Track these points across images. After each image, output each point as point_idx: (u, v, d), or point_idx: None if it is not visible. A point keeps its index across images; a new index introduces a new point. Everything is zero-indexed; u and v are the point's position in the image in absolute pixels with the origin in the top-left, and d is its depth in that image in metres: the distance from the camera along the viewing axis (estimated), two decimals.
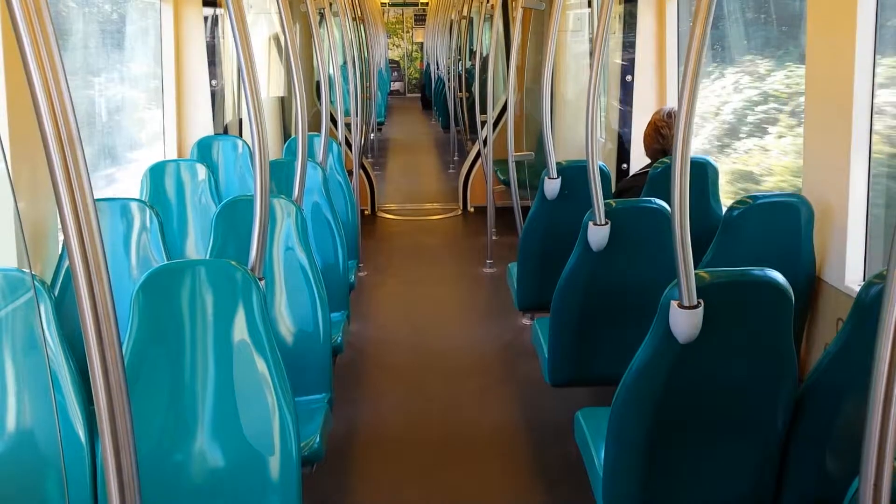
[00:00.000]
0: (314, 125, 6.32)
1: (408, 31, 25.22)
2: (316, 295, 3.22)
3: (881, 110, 3.03)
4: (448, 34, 12.98)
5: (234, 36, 2.41)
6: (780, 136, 4.36)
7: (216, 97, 5.51)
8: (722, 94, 5.04)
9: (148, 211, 3.29)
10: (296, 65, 3.62)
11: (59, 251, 3.20)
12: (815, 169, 3.26)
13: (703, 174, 3.64)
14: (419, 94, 22.45)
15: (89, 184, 1.13)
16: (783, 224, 3.10)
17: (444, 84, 13.93)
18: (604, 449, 2.47)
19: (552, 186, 4.09)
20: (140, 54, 5.21)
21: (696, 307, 2.11)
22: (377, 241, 7.72)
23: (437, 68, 16.53)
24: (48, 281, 2.99)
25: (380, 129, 14.36)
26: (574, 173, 4.02)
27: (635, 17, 5.41)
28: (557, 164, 4.11)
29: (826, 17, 3.12)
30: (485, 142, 7.49)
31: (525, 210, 4.61)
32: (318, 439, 2.80)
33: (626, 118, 5.60)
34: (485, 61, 9.73)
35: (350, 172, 6.11)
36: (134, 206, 3.30)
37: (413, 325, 5.54)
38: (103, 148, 4.79)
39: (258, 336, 2.34)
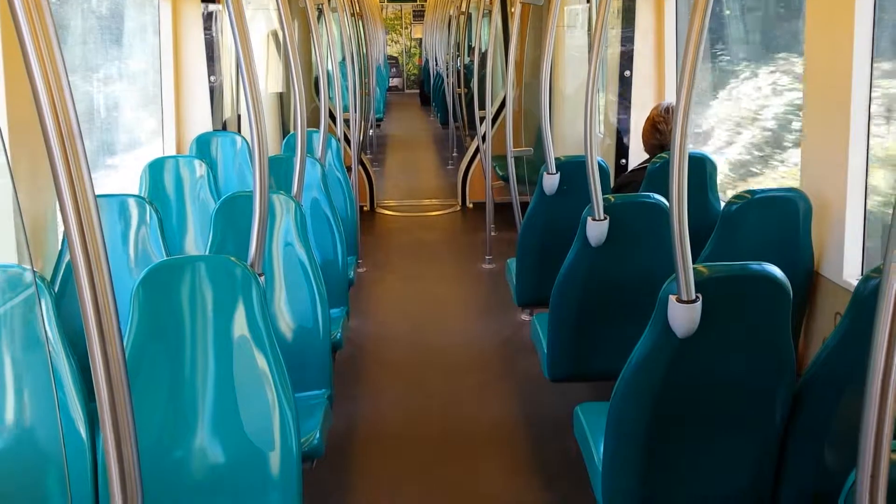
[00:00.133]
0: (313, 121, 6.32)
1: (406, 28, 25.18)
2: (315, 291, 3.23)
3: None
4: (446, 30, 12.98)
5: (233, 32, 2.41)
6: None
7: (215, 93, 5.51)
8: (757, 97, 4.62)
9: (147, 207, 3.29)
10: (294, 61, 3.62)
11: (59, 247, 3.20)
12: (814, 163, 3.27)
13: (701, 169, 3.64)
14: (418, 91, 22.43)
15: (90, 179, 1.13)
16: (781, 219, 3.10)
17: (442, 80, 13.92)
18: (603, 443, 2.47)
19: (551, 182, 4.09)
20: (128, 51, 5.15)
21: (694, 302, 2.11)
22: (376, 238, 7.73)
23: (436, 64, 16.52)
24: (48, 277, 3.00)
25: (378, 126, 14.36)
26: (573, 169, 4.03)
27: (634, 12, 5.41)
28: (556, 159, 4.11)
29: (824, 13, 3.13)
30: (483, 137, 7.48)
31: (524, 206, 4.61)
32: (317, 435, 2.81)
33: (624, 113, 5.60)
34: (483, 57, 9.71)
35: (349, 169, 6.11)
36: (133, 202, 3.30)
37: (412, 321, 5.55)
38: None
39: (258, 332, 2.34)
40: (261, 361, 2.33)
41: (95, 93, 4.81)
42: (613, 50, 5.66)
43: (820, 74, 3.18)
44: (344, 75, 7.44)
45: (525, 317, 5.32)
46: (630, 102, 5.52)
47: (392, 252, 7.31)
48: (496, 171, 7.73)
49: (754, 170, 4.56)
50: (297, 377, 2.68)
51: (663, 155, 3.83)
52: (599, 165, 3.45)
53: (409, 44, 25.12)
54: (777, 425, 2.27)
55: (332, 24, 8.32)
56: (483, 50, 10.32)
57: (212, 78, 5.44)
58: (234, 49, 5.67)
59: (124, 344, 2.18)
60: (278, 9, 3.50)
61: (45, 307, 2.25)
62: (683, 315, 2.12)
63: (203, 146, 5.05)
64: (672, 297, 2.12)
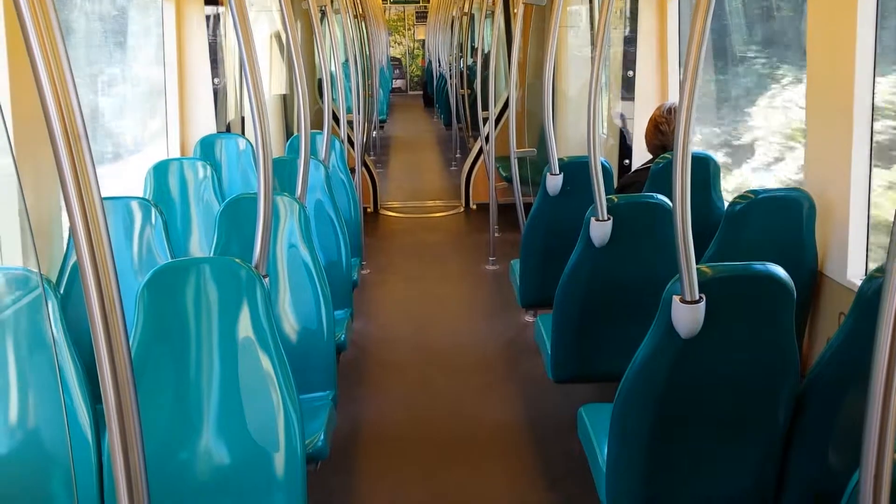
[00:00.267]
0: (316, 123, 6.33)
1: (409, 29, 25.19)
2: (319, 292, 3.23)
3: None
4: (449, 31, 12.98)
5: (237, 34, 2.42)
6: None
7: (218, 95, 5.52)
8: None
9: (152, 209, 3.30)
10: (298, 63, 3.63)
11: (64, 250, 3.21)
12: (817, 163, 3.26)
13: (704, 169, 3.64)
14: (421, 92, 22.44)
15: (96, 182, 1.14)
16: (785, 219, 3.10)
17: (445, 81, 13.92)
18: (607, 444, 2.47)
19: (554, 183, 4.09)
20: (108, 57, 5.06)
21: (697, 302, 2.12)
22: (379, 239, 7.73)
23: (439, 65, 16.52)
24: (53, 279, 3.01)
25: (382, 127, 14.36)
26: (576, 169, 4.03)
27: (636, 12, 5.41)
28: (559, 160, 4.11)
29: (827, 12, 3.13)
30: (487, 139, 7.49)
31: (527, 206, 4.62)
32: (322, 437, 2.81)
33: (627, 114, 5.60)
34: (486, 58, 9.74)
35: (352, 170, 6.12)
36: (138, 204, 3.31)
37: (416, 322, 5.55)
38: None
39: (263, 333, 2.35)
40: (265, 363, 2.34)
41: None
42: (616, 50, 5.67)
43: (822, 74, 3.18)
44: (347, 77, 7.45)
45: (529, 318, 5.33)
46: (633, 103, 5.52)
47: (395, 253, 7.31)
48: (499, 172, 7.73)
49: None
50: (302, 379, 2.69)
51: (666, 155, 3.83)
52: (603, 166, 3.45)
53: (412, 45, 25.13)
54: (781, 425, 2.27)
55: (335, 25, 8.34)
56: (486, 51, 10.34)
57: (215, 80, 5.45)
58: (237, 51, 5.70)
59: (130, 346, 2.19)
60: (281, 10, 3.51)
61: (52, 309, 2.26)
62: (687, 315, 2.12)
63: (207, 148, 5.06)
64: (676, 298, 2.12)
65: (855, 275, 3.03)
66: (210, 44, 5.44)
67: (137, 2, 5.12)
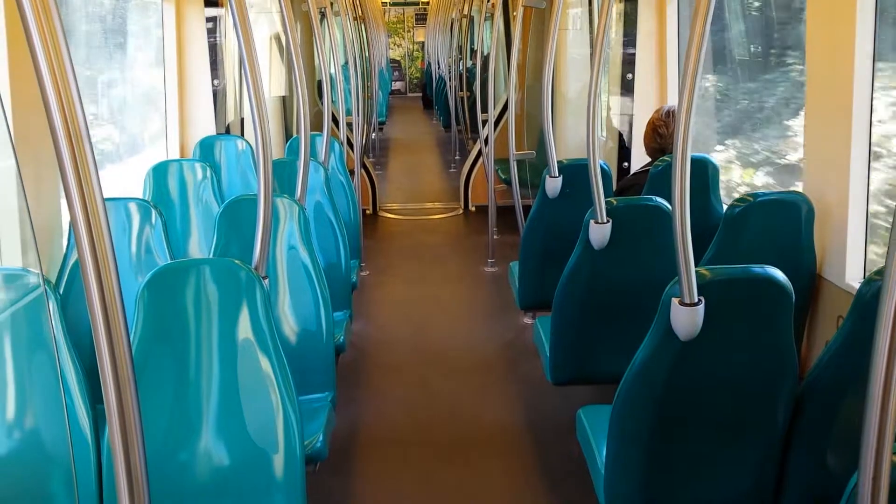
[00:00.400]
0: (315, 125, 6.34)
1: (409, 31, 25.21)
2: (319, 294, 3.24)
3: None
4: (449, 33, 12.99)
5: (237, 35, 2.42)
6: None
7: (218, 97, 5.53)
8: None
9: (152, 210, 3.31)
10: (298, 64, 3.64)
11: (64, 250, 3.22)
12: (816, 166, 3.27)
13: (703, 172, 3.65)
14: (420, 94, 22.44)
15: (98, 183, 1.14)
16: (784, 222, 3.11)
17: (445, 83, 13.93)
18: (606, 446, 2.48)
19: (553, 185, 4.10)
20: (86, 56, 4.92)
21: (696, 304, 2.12)
22: (378, 241, 7.74)
23: (438, 67, 16.53)
24: (52, 280, 3.01)
25: (381, 129, 14.37)
26: (575, 172, 4.04)
27: (635, 15, 5.42)
28: (559, 162, 4.12)
29: (826, 16, 3.13)
30: (486, 141, 7.50)
31: (526, 209, 4.62)
32: (321, 438, 2.82)
33: (626, 116, 5.61)
34: (485, 60, 9.75)
35: (352, 172, 6.12)
36: (138, 205, 3.32)
37: (415, 324, 5.55)
38: None
39: (262, 335, 2.35)
40: (265, 364, 2.34)
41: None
42: (615, 53, 5.67)
43: (821, 77, 3.19)
44: (347, 79, 7.45)
45: (528, 320, 5.33)
46: (632, 105, 5.52)
47: (394, 255, 7.31)
48: (498, 175, 7.74)
49: None
50: (301, 380, 2.69)
51: (665, 158, 3.84)
52: (602, 168, 3.46)
53: (411, 47, 25.14)
54: (779, 428, 2.27)
55: (335, 27, 8.34)
56: (485, 53, 10.35)
57: (215, 82, 5.45)
58: (237, 53, 5.71)
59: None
60: (281, 12, 3.51)
61: (52, 310, 2.26)
62: (686, 318, 2.13)
63: (206, 150, 5.07)
64: (675, 300, 2.13)
65: (853, 278, 3.04)
66: (210, 45, 5.44)
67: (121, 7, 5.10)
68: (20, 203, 2.95)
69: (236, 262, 2.40)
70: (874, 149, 3.04)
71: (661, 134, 4.02)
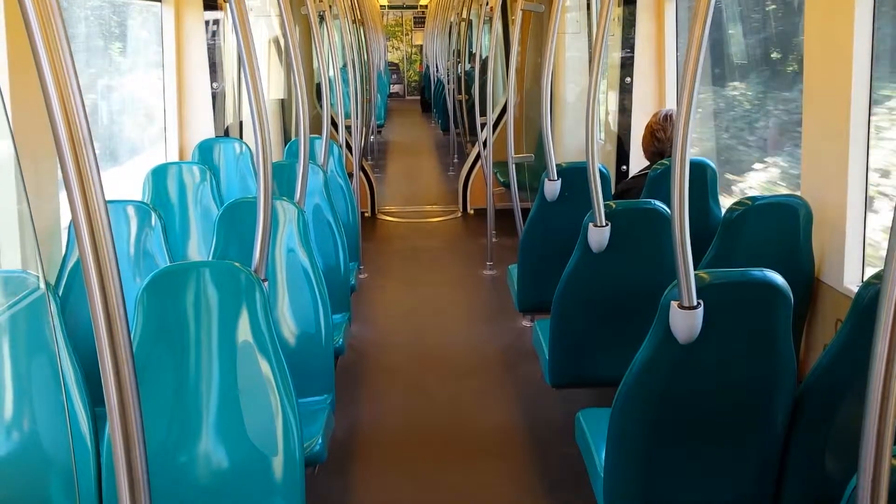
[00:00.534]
0: (314, 127, 6.34)
1: (407, 34, 25.23)
2: (318, 297, 3.24)
3: None
4: (447, 37, 13.00)
5: (237, 38, 2.43)
6: None
7: (217, 99, 5.53)
8: None
9: (151, 213, 3.31)
10: (297, 67, 3.64)
11: (63, 253, 3.22)
12: (814, 170, 3.28)
13: (702, 175, 3.65)
14: (418, 97, 22.46)
15: (101, 186, 1.15)
16: (782, 225, 3.11)
17: (443, 86, 13.94)
18: (604, 450, 2.48)
19: (552, 188, 4.10)
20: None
21: (695, 308, 2.12)
22: (377, 244, 7.74)
23: (437, 70, 16.54)
24: (51, 282, 3.01)
25: (379, 132, 14.37)
26: (574, 175, 4.04)
27: (634, 19, 5.43)
28: (557, 165, 4.12)
29: (823, 20, 3.14)
30: (484, 144, 7.51)
31: (525, 212, 4.62)
32: (320, 441, 2.82)
33: (625, 120, 5.61)
34: (484, 63, 9.76)
35: (350, 175, 6.13)
36: (137, 208, 3.32)
37: (414, 326, 5.55)
38: None
39: (262, 338, 2.35)
40: (264, 367, 2.34)
41: None
42: (614, 56, 5.68)
43: (819, 81, 3.19)
44: (345, 81, 7.46)
45: (526, 323, 5.33)
46: (631, 109, 5.53)
47: (393, 258, 7.32)
48: (497, 178, 7.74)
49: None
50: (300, 383, 2.69)
51: (664, 161, 3.85)
52: (600, 172, 3.46)
53: (409, 50, 25.17)
54: (778, 431, 2.27)
55: (334, 30, 8.35)
56: (484, 56, 10.35)
57: (214, 84, 5.46)
58: (235, 56, 5.71)
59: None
60: (281, 15, 3.52)
61: (53, 313, 2.26)
62: (685, 321, 2.13)
63: (205, 152, 5.07)
64: (673, 303, 2.13)
65: (852, 281, 3.04)
66: (209, 48, 5.45)
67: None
68: (21, 205, 2.94)
69: (236, 264, 2.40)
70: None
71: (660, 138, 4.03)
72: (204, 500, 2.33)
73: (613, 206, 3.23)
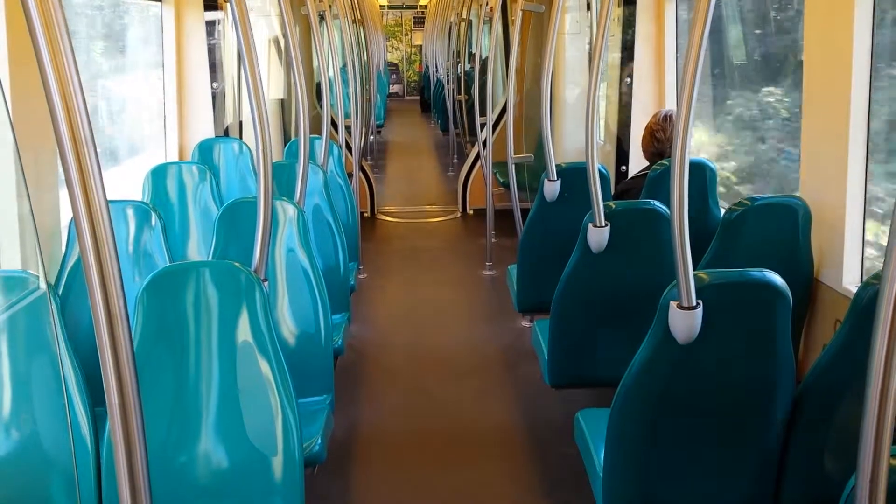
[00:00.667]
0: (314, 127, 6.34)
1: (406, 34, 25.23)
2: (317, 297, 3.24)
3: None
4: (447, 37, 13.00)
5: (238, 38, 2.43)
6: None
7: (217, 99, 5.54)
8: None
9: (151, 213, 3.31)
10: (297, 67, 3.64)
11: (63, 253, 3.22)
12: (813, 171, 3.28)
13: (701, 176, 3.66)
14: (418, 97, 22.45)
15: (102, 186, 1.15)
16: (781, 226, 3.12)
17: (442, 86, 13.94)
18: (604, 450, 2.48)
19: (552, 188, 4.10)
20: None
21: (695, 308, 2.13)
22: (376, 244, 7.74)
23: (436, 71, 16.54)
24: (51, 282, 3.01)
25: (378, 132, 14.37)
26: (573, 175, 4.04)
27: (634, 20, 5.43)
28: (557, 166, 4.13)
29: (823, 20, 3.14)
30: (484, 144, 7.51)
31: (524, 212, 4.63)
32: (319, 441, 2.82)
33: (625, 120, 5.62)
34: (484, 64, 9.76)
35: (349, 175, 6.13)
36: (137, 208, 3.32)
37: (413, 327, 5.56)
38: None
39: (261, 338, 2.35)
40: (264, 367, 2.34)
41: None
42: (614, 57, 5.68)
43: (819, 82, 3.20)
44: (345, 81, 7.46)
45: (526, 323, 5.33)
46: (630, 109, 5.53)
47: (393, 258, 7.32)
48: (497, 178, 7.74)
49: None
50: (299, 383, 2.69)
51: (664, 162, 3.85)
52: (600, 172, 3.46)
53: (409, 50, 25.16)
54: (777, 431, 2.28)
55: (334, 30, 8.35)
56: (483, 57, 10.35)
57: (214, 84, 5.46)
58: (236, 56, 5.72)
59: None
60: (281, 15, 3.52)
61: (53, 312, 2.27)
62: (684, 321, 2.13)
63: (205, 152, 5.08)
64: (673, 304, 2.13)
65: (851, 282, 3.05)
66: (209, 48, 5.45)
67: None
68: (22, 205, 2.95)
69: (236, 264, 2.40)
70: None
71: (659, 138, 4.03)
72: (203, 500, 2.33)
73: (613, 206, 3.24)
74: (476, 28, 11.51)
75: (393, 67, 24.42)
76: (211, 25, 5.52)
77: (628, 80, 5.51)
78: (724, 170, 4.93)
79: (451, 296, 6.27)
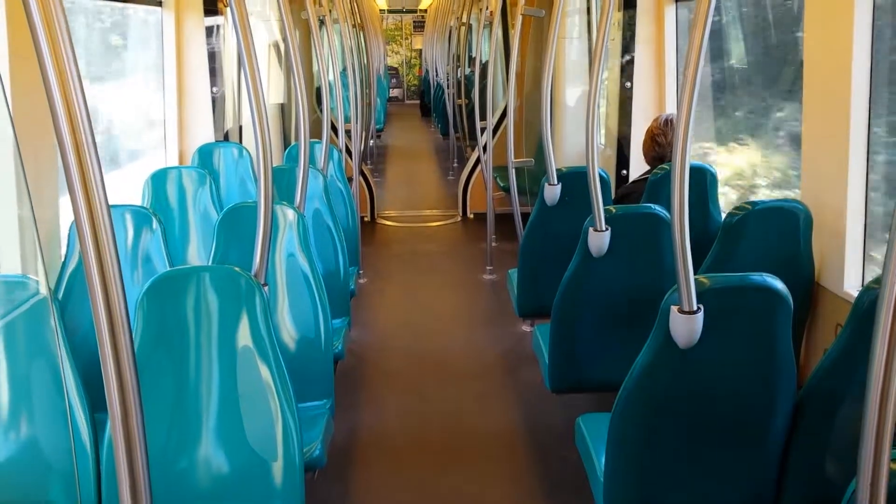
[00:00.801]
0: (314, 132, 6.34)
1: (406, 38, 25.26)
2: (318, 301, 3.24)
3: None
4: (447, 41, 13.01)
5: (238, 42, 2.43)
6: None
7: (217, 104, 5.54)
8: None
9: (151, 218, 3.31)
10: (297, 72, 3.64)
11: (62, 259, 3.21)
12: (814, 175, 3.28)
13: (702, 180, 3.66)
14: (418, 101, 22.47)
15: (104, 189, 1.15)
16: (782, 230, 3.11)
17: (443, 90, 13.95)
18: (604, 454, 2.48)
19: (552, 192, 4.10)
20: None
21: (695, 312, 2.12)
22: (377, 248, 7.74)
23: (436, 75, 16.55)
24: (51, 287, 3.01)
25: (378, 136, 14.37)
26: (574, 179, 4.04)
27: (634, 24, 5.43)
28: (557, 170, 4.13)
29: (823, 24, 3.14)
30: (484, 148, 7.50)
31: (525, 216, 4.62)
32: (319, 446, 2.81)
33: (625, 124, 5.61)
34: (484, 68, 9.77)
35: (349, 179, 6.12)
36: (137, 212, 3.32)
37: (413, 331, 5.55)
38: None
39: (262, 342, 2.35)
40: (264, 372, 2.34)
41: None
42: (614, 61, 5.68)
43: (819, 85, 3.20)
44: (345, 86, 7.47)
45: (526, 327, 5.33)
46: (631, 113, 5.53)
47: (393, 262, 7.31)
48: (497, 182, 7.74)
49: None
50: (299, 388, 2.69)
51: (664, 166, 3.85)
52: (600, 176, 3.46)
53: (409, 54, 25.19)
54: (778, 436, 2.27)
55: (334, 34, 8.36)
56: (484, 61, 10.36)
57: (214, 89, 5.46)
58: (236, 60, 5.72)
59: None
60: (281, 20, 3.52)
61: (54, 317, 2.27)
62: (685, 326, 2.13)
63: (205, 157, 5.08)
64: (673, 308, 2.13)
65: (852, 286, 3.04)
66: (209, 53, 5.45)
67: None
68: (22, 209, 2.95)
69: (236, 269, 2.40)
70: None
71: (660, 142, 4.03)
72: None
73: (613, 210, 3.23)
74: (476, 32, 11.53)
75: (393, 71, 24.43)
76: (211, 30, 5.52)
77: (628, 84, 5.51)
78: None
79: (452, 300, 6.27)
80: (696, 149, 5.03)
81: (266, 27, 7.42)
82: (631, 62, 5.47)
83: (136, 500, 1.23)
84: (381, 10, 22.56)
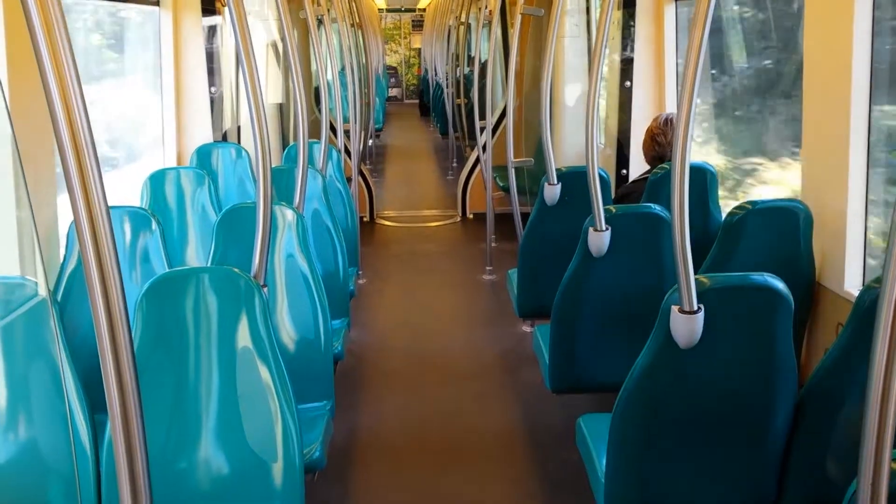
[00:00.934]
0: (313, 132, 6.33)
1: (405, 37, 25.25)
2: (317, 302, 3.23)
3: None
4: (446, 40, 13.01)
5: (236, 42, 2.43)
6: None
7: (215, 104, 5.53)
8: None
9: (150, 218, 3.30)
10: (296, 72, 3.64)
11: (60, 260, 3.21)
12: (814, 174, 3.27)
13: (702, 180, 3.65)
14: (417, 101, 22.46)
15: (103, 190, 1.14)
16: (783, 229, 3.11)
17: (442, 90, 13.94)
18: (605, 455, 2.47)
19: (552, 192, 4.10)
20: None
21: (696, 312, 2.12)
22: (376, 248, 7.73)
23: (435, 74, 16.54)
24: (50, 289, 3.00)
25: (377, 136, 14.36)
26: (574, 179, 4.04)
27: (634, 23, 5.43)
28: (557, 169, 4.12)
29: (823, 23, 3.14)
30: (484, 148, 7.50)
31: (524, 216, 4.62)
32: (319, 447, 2.81)
33: (625, 124, 5.61)
34: (483, 67, 9.76)
35: (348, 179, 6.12)
36: (136, 213, 3.31)
37: (413, 331, 5.55)
38: None
39: (261, 343, 2.35)
40: (264, 373, 2.34)
41: None
42: (614, 60, 5.68)
43: (820, 85, 3.19)
44: (344, 86, 7.46)
45: (526, 328, 5.32)
46: (630, 113, 5.52)
47: (392, 263, 7.31)
48: (496, 182, 7.74)
49: None
50: (299, 389, 2.69)
51: (664, 166, 3.84)
52: (600, 176, 3.46)
53: (408, 54, 25.18)
54: (779, 436, 2.27)
55: (332, 34, 8.35)
56: (483, 60, 10.35)
57: (212, 89, 5.45)
58: (234, 60, 5.71)
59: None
60: (280, 20, 3.52)
61: (54, 319, 2.26)
62: (685, 325, 2.13)
63: (204, 157, 5.07)
64: (674, 308, 2.13)
65: (852, 285, 3.04)
66: (207, 53, 5.44)
67: None
68: (23, 213, 2.94)
69: (235, 270, 2.40)
70: None
71: (660, 142, 4.02)
72: None
73: (613, 210, 3.23)
74: (475, 31, 11.52)
75: (392, 71, 24.43)
76: (209, 30, 5.51)
77: (628, 83, 5.51)
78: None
79: (451, 300, 6.27)
80: (744, 164, 4.72)
81: (264, 27, 7.41)
82: (630, 62, 5.47)
83: (136, 502, 1.23)
84: (379, 9, 22.54)
